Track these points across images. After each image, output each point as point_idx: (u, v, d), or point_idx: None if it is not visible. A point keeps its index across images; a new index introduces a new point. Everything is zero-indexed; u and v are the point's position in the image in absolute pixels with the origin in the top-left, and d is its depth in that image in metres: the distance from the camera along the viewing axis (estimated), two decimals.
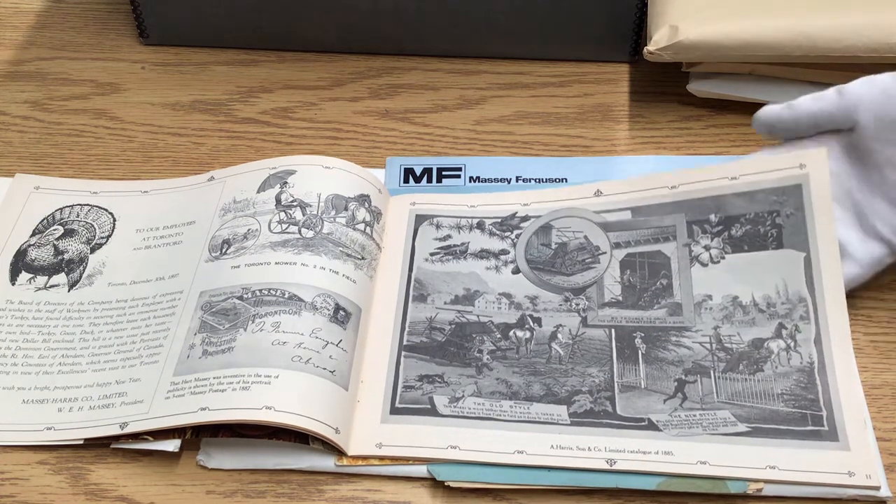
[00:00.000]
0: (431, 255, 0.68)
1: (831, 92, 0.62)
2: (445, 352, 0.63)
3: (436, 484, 0.58)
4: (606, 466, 0.57)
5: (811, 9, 0.73)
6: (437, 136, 0.79)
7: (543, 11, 0.80)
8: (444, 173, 0.75)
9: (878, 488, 0.56)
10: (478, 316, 0.65)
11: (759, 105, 0.77)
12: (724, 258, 0.64)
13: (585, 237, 0.67)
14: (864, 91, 0.61)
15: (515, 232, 0.68)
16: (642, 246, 0.66)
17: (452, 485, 0.57)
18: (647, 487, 0.56)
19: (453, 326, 0.64)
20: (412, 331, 0.64)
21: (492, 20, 0.82)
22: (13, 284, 0.68)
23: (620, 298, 0.65)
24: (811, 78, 0.76)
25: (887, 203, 0.62)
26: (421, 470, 0.58)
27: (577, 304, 0.65)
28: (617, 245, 0.67)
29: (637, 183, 0.68)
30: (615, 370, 0.61)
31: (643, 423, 0.59)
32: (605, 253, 0.67)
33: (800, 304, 0.62)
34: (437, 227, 0.70)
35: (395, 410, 0.60)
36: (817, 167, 0.63)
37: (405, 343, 0.63)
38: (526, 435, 0.58)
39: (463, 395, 0.61)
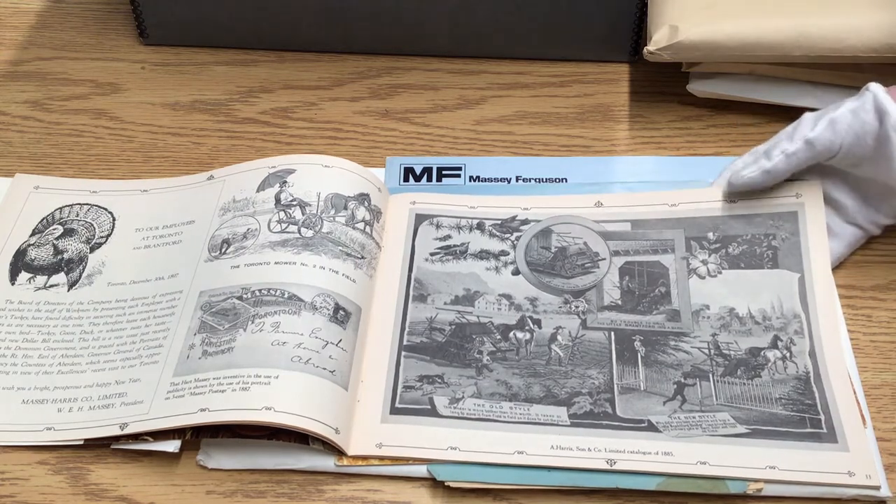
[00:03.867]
0: (431, 254, 0.68)
1: (801, 145, 0.64)
2: (445, 352, 0.63)
3: (436, 484, 0.58)
4: (606, 466, 0.57)
5: (811, 9, 0.73)
6: (437, 136, 0.79)
7: (543, 11, 0.80)
8: (444, 173, 0.74)
9: (878, 488, 0.56)
10: (478, 317, 0.65)
11: (760, 105, 0.77)
12: (721, 273, 0.65)
13: (585, 243, 0.67)
14: (832, 137, 0.64)
15: (515, 234, 0.68)
16: (641, 256, 0.66)
17: (452, 485, 0.57)
18: (647, 487, 0.56)
19: (453, 327, 0.64)
20: (412, 331, 0.64)
21: (492, 20, 0.82)
22: (13, 284, 0.67)
23: (619, 302, 0.65)
24: (811, 78, 0.76)
25: (861, 201, 0.67)
26: (421, 470, 0.58)
27: (577, 307, 0.65)
28: (616, 253, 0.67)
29: (637, 198, 0.69)
30: (615, 372, 0.61)
31: (643, 425, 0.59)
32: (604, 259, 0.67)
33: (794, 320, 0.63)
34: (437, 226, 0.69)
35: (395, 410, 0.60)
36: (812, 197, 0.67)
37: (405, 343, 0.63)
38: (526, 436, 0.58)
39: (463, 396, 0.61)
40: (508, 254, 0.68)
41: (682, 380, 0.61)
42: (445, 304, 0.65)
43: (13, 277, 0.68)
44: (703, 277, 0.65)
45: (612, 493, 0.57)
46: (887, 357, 0.63)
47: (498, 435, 0.58)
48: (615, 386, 0.61)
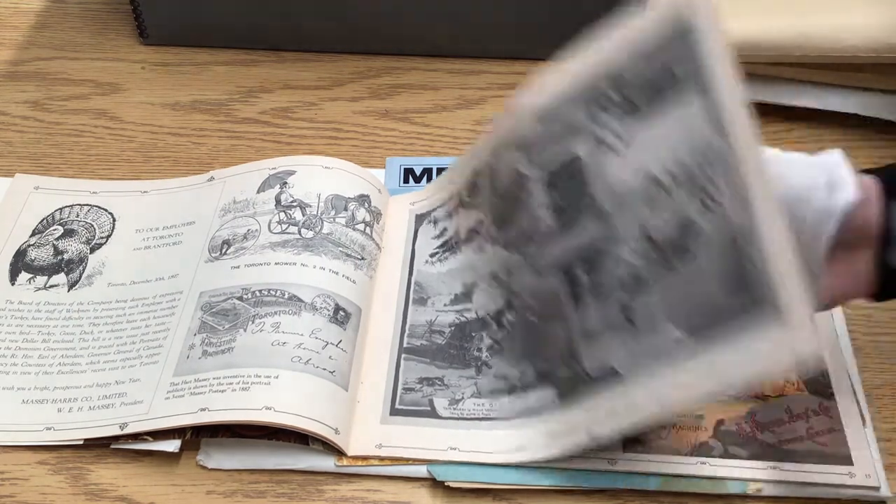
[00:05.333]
0: (431, 255, 0.68)
1: None
2: (445, 354, 0.63)
3: (436, 484, 0.58)
4: (607, 466, 0.57)
5: (811, 9, 0.73)
6: (437, 136, 0.79)
7: (543, 11, 0.80)
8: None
9: (877, 488, 0.56)
10: (476, 311, 0.65)
11: (760, 105, 0.77)
12: (636, 138, 0.55)
13: (516, 170, 0.62)
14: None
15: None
16: (556, 145, 0.59)
17: (452, 485, 0.57)
18: (647, 487, 0.56)
19: (453, 328, 0.64)
20: (412, 333, 0.64)
21: (492, 20, 0.82)
22: (13, 284, 0.67)
23: (555, 227, 0.59)
24: (811, 78, 0.76)
25: None
26: (421, 470, 0.58)
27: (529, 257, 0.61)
28: (540, 166, 0.61)
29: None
30: (573, 319, 0.57)
31: (610, 376, 0.55)
32: (534, 180, 0.61)
33: (712, 155, 0.52)
34: (435, 222, 0.69)
35: (394, 412, 0.60)
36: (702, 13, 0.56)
37: (405, 345, 0.63)
38: (525, 431, 0.58)
39: (463, 397, 0.61)
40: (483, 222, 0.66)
41: (629, 302, 0.54)
42: (445, 305, 0.65)
43: (13, 278, 0.68)
44: (619, 152, 0.56)
45: (612, 493, 0.57)
46: (887, 357, 0.63)
47: (498, 434, 0.58)
48: (576, 335, 0.57)
